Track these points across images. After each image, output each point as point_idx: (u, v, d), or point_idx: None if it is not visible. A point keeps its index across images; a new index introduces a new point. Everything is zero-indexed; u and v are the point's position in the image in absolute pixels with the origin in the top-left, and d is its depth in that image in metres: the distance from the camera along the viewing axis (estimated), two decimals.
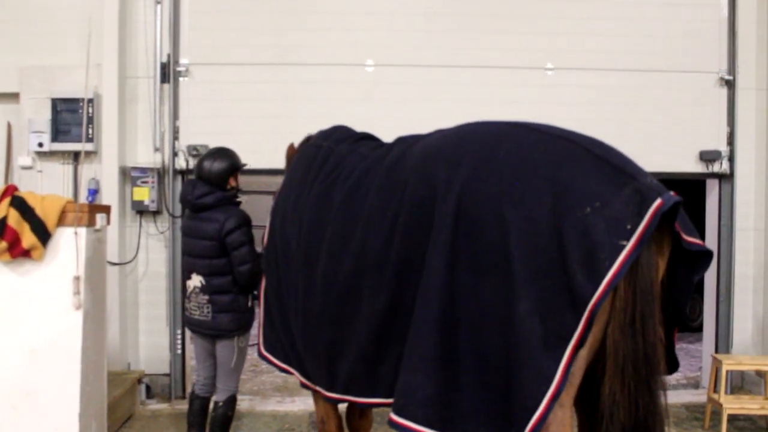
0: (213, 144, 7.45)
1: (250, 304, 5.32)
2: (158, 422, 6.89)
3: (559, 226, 2.79)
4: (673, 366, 3.24)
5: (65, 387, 5.12)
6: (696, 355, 9.76)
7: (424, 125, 7.45)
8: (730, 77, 7.90)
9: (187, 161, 7.61)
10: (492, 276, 2.91)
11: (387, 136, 7.35)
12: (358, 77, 7.76)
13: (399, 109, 7.66)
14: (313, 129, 7.37)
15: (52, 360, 5.12)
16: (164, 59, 7.54)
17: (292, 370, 4.36)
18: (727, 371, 6.61)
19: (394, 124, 7.54)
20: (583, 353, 2.85)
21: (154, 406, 7.37)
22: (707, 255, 3.02)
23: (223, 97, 7.67)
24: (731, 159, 7.92)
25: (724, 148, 7.92)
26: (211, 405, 5.43)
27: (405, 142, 3.74)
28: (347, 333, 3.64)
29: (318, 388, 4.05)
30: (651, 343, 2.84)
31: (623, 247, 2.70)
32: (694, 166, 7.95)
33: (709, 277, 8.05)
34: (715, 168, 7.92)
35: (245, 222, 5.23)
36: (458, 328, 2.99)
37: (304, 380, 4.23)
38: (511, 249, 2.85)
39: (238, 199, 5.44)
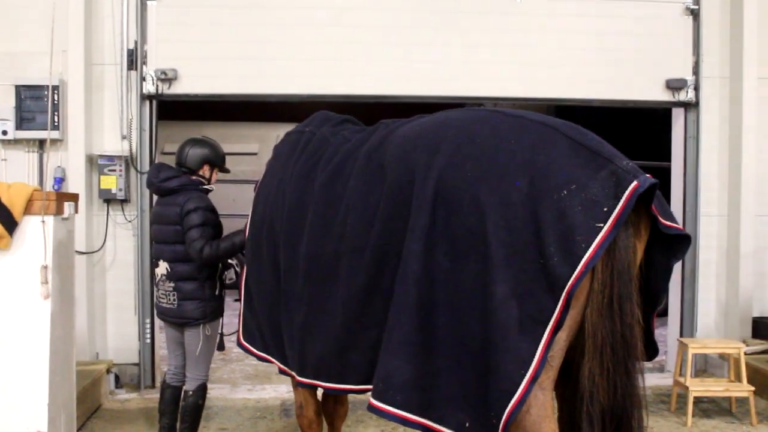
0: (183, 68, 7.56)
1: (217, 292, 5.28)
2: (127, 412, 6.84)
3: (536, 209, 2.82)
4: (652, 351, 3.27)
5: (33, 378, 5.04)
6: (661, 340, 9.91)
7: (392, 52, 7.72)
8: (696, 7, 8.04)
9: (156, 86, 7.53)
10: (469, 260, 2.93)
11: (356, 60, 7.70)
12: (327, 2, 7.81)
13: (368, 34, 7.76)
14: (284, 54, 7.66)
15: (19, 350, 5.04)
16: (131, 46, 7.44)
17: (270, 358, 4.37)
18: (692, 354, 6.73)
19: (362, 49, 7.74)
20: (562, 335, 2.88)
21: (123, 395, 7.31)
22: (685, 239, 3.07)
23: (194, 22, 7.62)
24: (696, 88, 8.04)
25: (689, 77, 8.05)
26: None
27: (387, 127, 3.76)
28: (322, 316, 3.66)
29: (292, 372, 4.07)
30: (628, 325, 2.89)
31: (600, 229, 2.73)
32: (660, 95, 8.09)
33: None
34: (681, 96, 8.07)
35: (205, 207, 5.17)
36: (436, 312, 3.01)
37: (282, 366, 4.24)
38: (488, 233, 2.88)
39: (206, 187, 5.37)
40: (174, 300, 5.15)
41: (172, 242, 5.16)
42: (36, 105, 7.23)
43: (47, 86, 7.08)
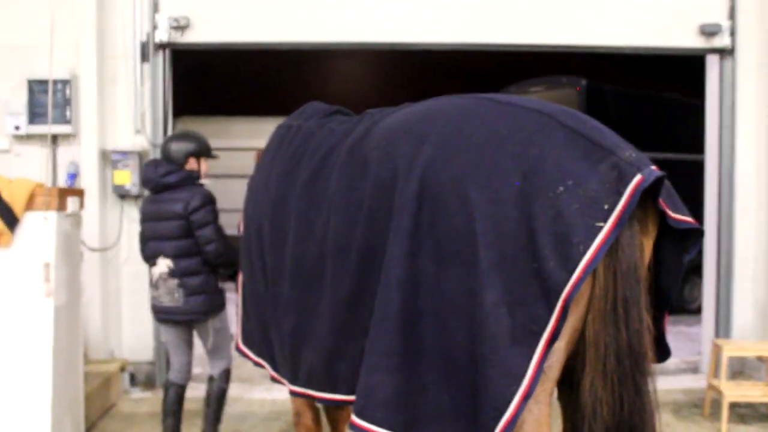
0: (197, 15, 7.34)
1: (219, 284, 5.24)
2: (141, 412, 6.71)
3: (529, 208, 2.56)
4: (664, 354, 3.03)
5: (36, 379, 4.92)
6: (695, 339, 9.57)
7: None
8: None
9: (169, 34, 7.33)
10: (457, 264, 2.67)
11: (380, 6, 7.33)
12: None
13: None
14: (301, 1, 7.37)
15: (21, 351, 4.92)
16: (144, 38, 7.28)
17: (263, 362, 4.15)
18: (727, 357, 6.39)
19: None
20: (560, 345, 2.62)
21: (138, 395, 7.18)
22: (697, 233, 2.81)
23: None
24: (732, 34, 7.60)
25: (725, 22, 7.61)
26: (188, 387, 5.41)
27: (372, 117, 3.50)
28: (310, 322, 3.43)
29: (283, 381, 3.84)
30: (636, 332, 2.60)
31: (600, 229, 2.47)
32: (694, 41, 7.66)
33: (709, 258, 7.84)
34: (716, 42, 7.63)
35: (209, 200, 5.13)
36: (422, 321, 2.76)
37: (273, 373, 4.01)
38: (476, 234, 2.62)
39: (201, 182, 5.28)
40: (180, 297, 5.05)
41: (176, 238, 5.05)
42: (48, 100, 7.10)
43: (60, 80, 6.98)
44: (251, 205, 4.13)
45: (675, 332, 10.46)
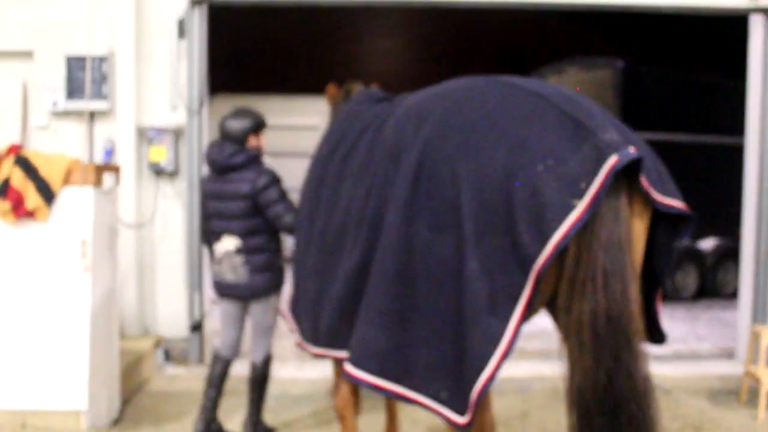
0: None
1: (281, 263, 5.31)
2: (175, 388, 6.76)
3: (510, 182, 2.75)
4: (659, 337, 3.22)
5: (73, 355, 4.99)
6: (728, 324, 9.43)
7: None
8: None
9: None
10: (448, 234, 2.89)
11: None
12: None
13: None
14: None
15: (59, 325, 4.98)
16: (181, 15, 7.27)
17: (296, 329, 4.30)
18: (766, 345, 6.28)
19: None
20: None
21: (172, 371, 7.23)
22: (688, 218, 2.98)
23: None
24: None
25: None
26: (235, 367, 5.44)
27: (402, 100, 3.72)
28: (329, 285, 3.65)
29: (306, 345, 4.04)
30: (615, 301, 2.68)
31: (574, 206, 2.63)
32: (736, 0, 7.42)
33: (747, 243, 7.69)
34: (761, 1, 7.33)
35: (275, 180, 5.13)
36: (416, 282, 2.99)
37: (300, 340, 4.17)
38: (462, 207, 2.83)
39: (265, 159, 5.31)
40: (244, 273, 5.11)
41: (243, 217, 5.07)
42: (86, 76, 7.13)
43: (97, 57, 7.00)
44: (307, 182, 4.32)
45: (708, 317, 10.34)
